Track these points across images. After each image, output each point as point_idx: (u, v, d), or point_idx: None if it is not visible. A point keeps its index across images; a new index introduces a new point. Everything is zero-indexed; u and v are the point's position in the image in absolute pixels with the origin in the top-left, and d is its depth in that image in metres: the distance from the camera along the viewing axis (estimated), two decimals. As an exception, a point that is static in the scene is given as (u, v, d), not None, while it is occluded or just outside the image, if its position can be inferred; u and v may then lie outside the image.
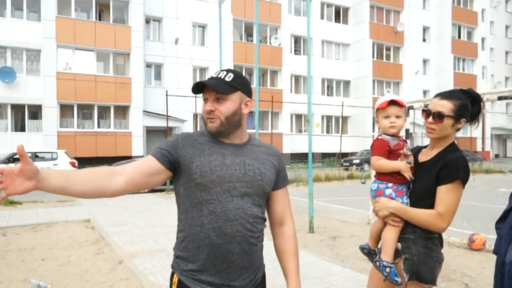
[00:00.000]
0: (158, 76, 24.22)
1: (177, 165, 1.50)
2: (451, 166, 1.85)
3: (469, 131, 32.75)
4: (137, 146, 21.60)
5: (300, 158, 23.46)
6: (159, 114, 22.27)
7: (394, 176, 2.00)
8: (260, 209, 1.57)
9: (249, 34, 26.95)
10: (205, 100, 1.55)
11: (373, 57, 30.54)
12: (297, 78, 28.93)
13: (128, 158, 19.45)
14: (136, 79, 21.83)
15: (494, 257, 5.05)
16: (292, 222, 1.71)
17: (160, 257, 5.18)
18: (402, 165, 1.98)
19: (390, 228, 1.97)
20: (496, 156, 40.28)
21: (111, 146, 21.06)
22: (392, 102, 2.00)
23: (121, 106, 21.92)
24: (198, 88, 1.53)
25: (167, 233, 6.51)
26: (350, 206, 10.00)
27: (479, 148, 33.72)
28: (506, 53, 43.72)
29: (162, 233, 6.56)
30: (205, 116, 1.55)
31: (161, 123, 21.82)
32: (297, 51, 29.13)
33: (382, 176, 2.03)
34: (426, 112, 1.96)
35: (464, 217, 6.56)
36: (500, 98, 5.47)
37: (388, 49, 31.80)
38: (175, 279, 1.54)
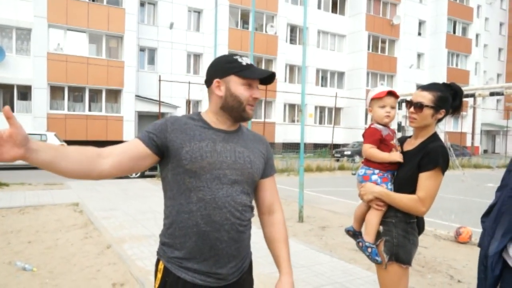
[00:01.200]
0: (151, 61, 23.95)
1: (165, 150, 1.45)
2: (432, 155, 1.99)
3: (459, 126, 33.08)
4: (129, 131, 21.42)
5: (292, 148, 23.50)
6: (151, 99, 22.08)
7: (381, 164, 2.14)
8: (248, 198, 1.56)
9: (245, 21, 26.68)
10: (250, 86, 1.51)
11: (368, 49, 30.50)
12: (291, 68, 28.82)
13: (120, 142, 19.12)
14: (129, 63, 21.55)
15: (479, 251, 5.11)
16: (281, 210, 1.72)
17: (149, 242, 5.16)
18: (391, 157, 2.11)
19: (374, 211, 2.12)
20: (485, 151, 40.79)
21: (102, 130, 20.86)
22: (390, 93, 2.13)
23: (113, 89, 21.65)
24: (260, 75, 1.51)
25: (157, 219, 6.49)
26: (340, 196, 10.07)
27: (468, 143, 34.09)
28: (499, 50, 44.01)
29: (152, 219, 6.54)
30: (249, 102, 1.51)
31: (153, 108, 21.64)
32: (292, 40, 28.96)
33: (370, 162, 2.18)
34: (409, 103, 2.12)
35: (452, 210, 6.65)
36: (492, 94, 5.49)
37: (383, 41, 31.76)
38: (161, 266, 1.52)
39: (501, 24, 43.98)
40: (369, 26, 30.26)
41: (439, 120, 2.12)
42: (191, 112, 17.06)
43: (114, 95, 21.99)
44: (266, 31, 26.57)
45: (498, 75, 43.46)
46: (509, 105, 38.75)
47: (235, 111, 1.52)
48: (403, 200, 2.03)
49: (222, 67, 1.52)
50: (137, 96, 21.96)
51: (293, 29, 28.98)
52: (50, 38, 20.04)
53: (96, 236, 5.47)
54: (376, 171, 2.15)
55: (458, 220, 6.43)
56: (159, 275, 1.52)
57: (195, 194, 1.45)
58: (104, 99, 21.43)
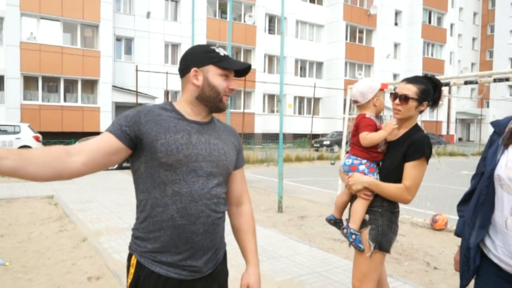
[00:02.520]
0: (128, 51, 23.44)
1: (138, 142, 1.40)
2: (418, 145, 2.06)
3: (435, 115, 33.81)
4: (106, 122, 20.98)
5: (272, 138, 23.55)
6: (129, 90, 21.66)
7: (369, 154, 2.21)
8: (223, 190, 1.55)
9: (223, 11, 26.36)
10: (227, 77, 1.50)
11: (346, 39, 30.69)
12: (270, 58, 28.73)
13: (96, 134, 18.88)
14: (105, 53, 21.02)
15: (455, 238, 5.25)
16: (250, 202, 1.73)
17: (126, 235, 5.08)
18: (388, 130, 2.17)
19: (361, 200, 2.18)
20: (460, 139, 41.93)
21: (78, 121, 20.37)
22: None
23: (89, 80, 21.12)
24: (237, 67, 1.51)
25: (134, 211, 6.34)
26: (319, 186, 10.16)
27: (444, 132, 34.95)
28: (473, 39, 45.06)
29: (129, 211, 6.44)
30: (226, 93, 1.50)
31: (130, 99, 21.23)
32: (271, 30, 28.83)
33: (358, 152, 2.24)
34: (394, 95, 2.17)
35: (428, 198, 6.80)
36: (466, 83, 5.60)
37: (361, 31, 31.99)
38: (133, 261, 1.48)
39: (475, 14, 44.96)
40: (346, 16, 30.40)
41: (421, 111, 2.20)
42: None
43: (90, 85, 21.46)
44: (244, 21, 26.35)
45: (473, 64, 44.55)
46: (479, 97, 39.83)
47: (212, 102, 1.49)
48: (390, 189, 2.10)
49: (201, 56, 1.49)
50: (114, 86, 21.50)
51: (271, 19, 28.83)
52: (23, 27, 19.34)
53: (71, 229, 5.35)
54: (364, 161, 2.21)
55: (433, 207, 6.59)
56: (132, 270, 1.48)
57: (170, 188, 1.41)
58: (80, 90, 20.90)
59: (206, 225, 1.45)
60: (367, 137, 2.18)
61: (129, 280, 1.48)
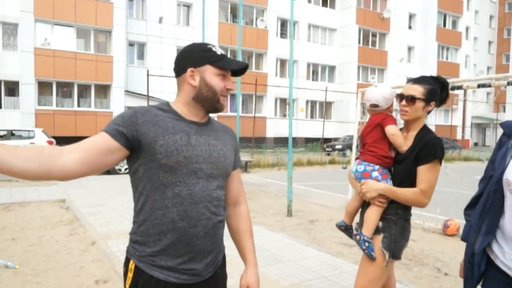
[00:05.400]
0: (141, 56, 23.70)
1: (136, 143, 1.36)
2: (430, 147, 2.03)
3: (449, 119, 33.28)
4: (118, 126, 21.21)
5: (284, 142, 23.44)
6: (141, 95, 21.86)
7: (381, 159, 2.16)
8: (223, 192, 1.53)
9: (235, 15, 26.49)
10: (224, 76, 1.48)
11: (359, 43, 30.49)
12: (282, 62, 28.72)
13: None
14: (118, 58, 21.30)
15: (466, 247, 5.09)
16: (246, 202, 1.72)
17: (135, 238, 5.10)
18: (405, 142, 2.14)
19: (375, 208, 2.13)
20: (475, 144, 41.18)
21: (91, 126, 20.63)
22: None
23: (102, 85, 21.41)
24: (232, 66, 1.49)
25: (144, 214, 6.41)
26: (329, 190, 10.07)
27: (459, 137, 34.37)
28: (489, 43, 44.32)
29: (139, 214, 6.46)
30: (223, 93, 1.47)
31: (143, 103, 21.41)
32: (283, 34, 28.84)
33: (370, 158, 2.19)
34: (400, 96, 2.13)
35: (439, 203, 6.67)
36: (479, 86, 5.48)
37: (374, 35, 31.76)
38: (132, 265, 1.45)
39: (491, 17, 44.24)
40: (359, 20, 30.23)
41: (429, 112, 2.15)
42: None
43: (103, 90, 21.75)
44: (256, 25, 26.42)
45: (489, 68, 43.78)
46: (493, 100, 39.06)
47: (209, 102, 1.47)
48: (406, 194, 2.05)
49: (197, 56, 1.46)
50: (126, 91, 21.74)
51: (283, 23, 28.84)
52: (37, 33, 19.71)
53: (81, 232, 5.39)
54: (377, 167, 2.16)
55: (444, 212, 6.45)
56: (130, 275, 1.45)
57: (170, 190, 1.38)
58: (93, 95, 21.19)
59: (207, 227, 1.43)
60: (396, 132, 2.13)
61: (127, 285, 1.45)
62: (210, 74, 1.45)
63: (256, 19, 26.56)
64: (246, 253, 1.63)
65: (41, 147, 1.24)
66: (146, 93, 20.61)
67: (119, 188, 9.17)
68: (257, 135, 22.33)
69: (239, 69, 1.49)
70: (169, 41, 24.21)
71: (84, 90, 21.31)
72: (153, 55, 23.63)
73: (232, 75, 1.52)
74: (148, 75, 14.88)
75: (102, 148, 1.31)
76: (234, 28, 25.11)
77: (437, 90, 2.12)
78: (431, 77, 2.15)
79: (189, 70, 1.45)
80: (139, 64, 23.45)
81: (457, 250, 5.01)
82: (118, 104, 21.32)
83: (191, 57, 1.47)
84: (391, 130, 2.13)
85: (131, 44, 23.21)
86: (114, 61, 21.16)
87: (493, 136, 40.32)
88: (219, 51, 1.47)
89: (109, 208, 6.97)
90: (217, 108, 1.49)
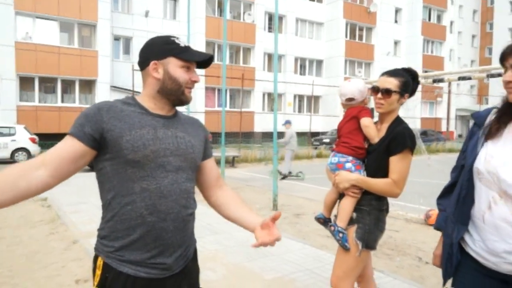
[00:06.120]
0: (127, 50, 23.39)
1: (102, 141, 1.35)
2: (400, 138, 2.05)
3: (434, 112, 33.69)
4: (104, 122, 20.95)
5: (272, 137, 23.43)
6: (127, 90, 21.60)
7: (355, 150, 2.20)
8: (192, 184, 1.52)
9: (222, 9, 26.29)
10: (188, 68, 1.46)
11: (346, 37, 30.56)
12: (270, 56, 28.62)
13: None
14: (103, 52, 20.97)
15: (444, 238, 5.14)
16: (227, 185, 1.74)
17: (118, 235, 5.05)
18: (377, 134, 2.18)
19: (349, 198, 2.16)
20: (460, 136, 41.78)
21: (76, 122, 20.33)
22: None
23: (87, 80, 21.07)
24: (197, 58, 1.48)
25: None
26: (316, 184, 10.12)
27: (443, 129, 34.82)
28: (473, 36, 44.91)
29: (123, 210, 6.40)
30: (188, 85, 1.46)
31: (127, 99, 21.17)
32: (271, 28, 28.73)
33: (344, 149, 2.22)
34: (375, 89, 2.14)
35: (422, 193, 6.75)
36: (460, 79, 5.54)
37: (360, 29, 31.87)
38: (100, 262, 1.42)
39: (474, 11, 44.80)
40: (346, 14, 30.28)
41: (402, 103, 2.18)
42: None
43: (88, 85, 21.42)
44: (244, 20, 26.27)
45: (472, 61, 44.40)
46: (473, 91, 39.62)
47: (174, 95, 1.45)
48: (379, 184, 2.08)
49: (160, 49, 1.45)
50: (112, 86, 21.46)
51: (271, 17, 28.69)
52: (18, 27, 19.24)
53: (62, 231, 5.31)
54: (350, 158, 2.20)
55: (427, 203, 6.53)
56: (98, 272, 1.43)
57: (138, 184, 1.37)
58: (78, 90, 20.85)
59: (177, 221, 1.42)
60: (370, 124, 2.17)
61: (95, 283, 1.44)
62: (173, 66, 1.43)
63: (244, 13, 26.40)
64: (250, 215, 1.56)
65: (12, 170, 1.25)
66: (131, 88, 20.41)
67: (103, 185, 9.05)
68: (245, 130, 22.30)
69: (204, 61, 1.48)
70: (156, 35, 23.93)
71: (68, 86, 20.95)
72: (139, 49, 23.01)
73: (197, 67, 1.51)
74: (133, 70, 14.70)
75: (72, 156, 1.33)
76: (222, 22, 24.92)
77: (410, 82, 2.15)
78: (403, 69, 2.19)
79: (152, 63, 1.44)
80: (125, 59, 23.14)
81: (438, 239, 5.07)
82: (103, 100, 20.97)
83: (153, 50, 1.46)
84: (365, 122, 2.17)
85: (116, 39, 22.88)
86: (99, 56, 20.83)
87: (477, 129, 40.89)
88: (183, 43, 1.46)
89: (92, 206, 6.88)
90: (183, 101, 1.48)
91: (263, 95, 27.92)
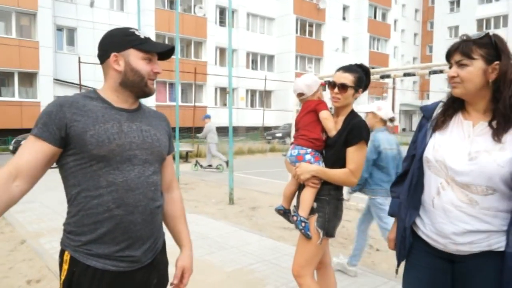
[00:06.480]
0: (71, 42, 22.24)
1: (66, 137, 1.34)
2: (356, 130, 2.17)
3: (381, 107, 35.13)
4: (48, 117, 19.80)
5: (225, 131, 23.29)
6: (73, 83, 20.57)
7: (313, 142, 2.29)
8: (159, 177, 1.54)
9: (172, 1, 25.74)
10: (150, 60, 1.46)
11: (296, 32, 31.11)
12: (222, 51, 28.50)
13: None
14: (45, 43, 19.79)
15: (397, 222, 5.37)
16: (178, 188, 1.75)
17: (70, 234, 4.86)
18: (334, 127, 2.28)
19: (309, 189, 2.25)
20: (404, 130, 44.15)
21: (16, 117, 19.08)
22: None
23: (27, 72, 19.82)
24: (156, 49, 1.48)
25: (79, 209, 6.11)
26: (270, 177, 10.29)
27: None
28: (415, 34, 47.45)
29: (74, 209, 6.15)
30: (150, 76, 1.46)
31: (74, 92, 20.11)
32: (222, 22, 28.58)
33: (303, 142, 2.30)
34: (332, 84, 2.24)
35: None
36: (405, 75, 5.87)
37: (310, 25, 32.58)
38: (67, 256, 1.40)
39: (416, 11, 47.31)
40: (297, 10, 30.80)
41: (356, 98, 2.29)
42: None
43: (29, 78, 20.16)
44: (194, 13, 25.89)
45: (414, 59, 46.94)
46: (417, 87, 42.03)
47: (136, 87, 1.45)
48: (337, 174, 2.19)
49: (120, 40, 1.44)
50: (56, 79, 20.34)
51: (222, 11, 28.56)
52: None
53: (8, 231, 5.02)
54: (309, 150, 2.28)
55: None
56: (65, 266, 1.41)
57: (104, 178, 1.36)
58: (17, 83, 19.56)
59: (145, 214, 1.43)
60: (329, 117, 2.27)
61: (63, 278, 1.41)
62: (134, 58, 1.43)
63: (195, 6, 26.01)
64: (181, 238, 1.68)
65: None
66: (77, 82, 19.47)
67: (50, 183, 8.60)
68: (198, 125, 22.08)
69: (165, 52, 1.49)
70: (102, 27, 22.90)
71: (6, 78, 19.60)
72: (84, 41, 22.24)
73: (159, 59, 1.51)
74: (80, 62, 14.03)
75: (43, 160, 1.34)
76: (172, 15, 24.42)
77: (363, 78, 2.27)
78: (357, 65, 2.30)
79: (112, 55, 1.43)
80: (69, 51, 22.00)
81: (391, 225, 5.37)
82: (46, 94, 19.88)
83: (113, 42, 1.44)
84: (324, 115, 2.28)
85: (59, 29, 21.67)
86: (40, 47, 19.65)
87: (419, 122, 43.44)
88: (142, 35, 1.46)
89: (40, 205, 6.55)
90: (146, 93, 1.48)
91: (215, 89, 27.78)
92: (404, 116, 44.87)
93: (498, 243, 1.48)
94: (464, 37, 1.54)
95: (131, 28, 1.47)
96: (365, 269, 3.84)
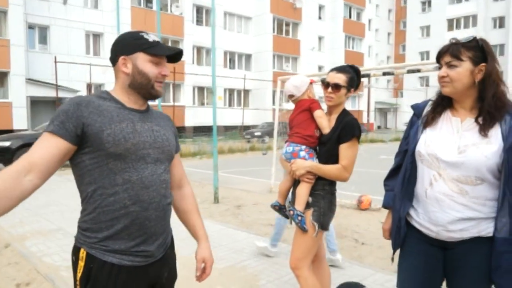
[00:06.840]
0: (43, 40, 21.63)
1: (83, 136, 1.38)
2: (348, 128, 2.29)
3: (357, 105, 35.95)
4: (20, 118, 19.24)
5: (204, 131, 23.39)
6: (46, 83, 20.04)
7: (307, 139, 2.39)
8: (169, 175, 1.61)
9: (148, 0, 25.43)
10: (158, 63, 1.50)
11: (273, 31, 31.29)
12: (199, 50, 28.38)
13: (9, 132, 17.25)
14: (16, 42, 19.17)
15: (378, 215, 5.64)
16: (189, 184, 1.84)
17: (56, 237, 4.80)
18: (328, 125, 2.38)
19: (304, 184, 2.34)
20: (379, 127, 45.15)
21: (-13, 118, 18.46)
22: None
23: (-2, 72, 19.19)
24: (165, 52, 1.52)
25: (63, 211, 6.02)
26: (252, 176, 10.37)
27: (364, 120, 37.34)
28: (388, 34, 48.56)
29: (57, 211, 6.05)
30: (158, 79, 1.50)
31: (49, 93, 19.67)
32: (199, 21, 28.43)
33: (298, 139, 2.41)
34: (326, 84, 2.35)
35: (354, 181, 7.28)
36: (384, 74, 6.07)
37: (287, 24, 32.82)
38: (83, 253, 1.44)
39: (389, 10, 48.41)
40: (273, 9, 30.97)
41: (348, 97, 2.42)
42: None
43: (0, 78, 19.50)
44: (171, 11, 25.66)
45: (388, 57, 48.04)
46: (395, 86, 43.17)
47: (144, 89, 1.51)
48: (331, 170, 2.29)
49: (129, 44, 1.50)
50: (28, 79, 19.75)
51: (199, 9, 28.42)
52: None
53: (-9, 236, 4.91)
54: (303, 147, 2.39)
55: (358, 190, 7.08)
56: (82, 264, 1.44)
57: (120, 176, 1.42)
58: (-12, 83, 18.91)
59: (158, 210, 1.50)
60: (323, 115, 2.38)
61: (79, 274, 1.45)
62: (142, 61, 1.48)
63: (171, 5, 25.78)
64: (197, 230, 1.75)
65: (3, 180, 1.24)
66: (50, 81, 18.99)
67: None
68: (177, 125, 21.92)
69: (174, 55, 1.54)
70: (76, 25, 22.44)
71: (-25, 78, 18.92)
72: (58, 39, 21.70)
73: (169, 62, 1.57)
74: (56, 61, 13.71)
75: (57, 157, 1.36)
76: (148, 13, 24.15)
77: (355, 78, 2.39)
78: (349, 66, 2.42)
79: (121, 58, 1.49)
80: (41, 49, 21.41)
81: (370, 222, 5.56)
82: (18, 94, 19.29)
83: (122, 46, 1.50)
84: (318, 113, 2.40)
85: (31, 27, 21.05)
86: (11, 45, 19.03)
87: (393, 119, 44.56)
88: (151, 38, 1.51)
89: (21, 208, 6.38)
90: (153, 95, 1.54)
91: (193, 88, 27.63)
92: (379, 113, 45.87)
93: (486, 229, 1.61)
94: (454, 41, 1.66)
95: (141, 32, 1.53)
96: (352, 262, 3.98)
